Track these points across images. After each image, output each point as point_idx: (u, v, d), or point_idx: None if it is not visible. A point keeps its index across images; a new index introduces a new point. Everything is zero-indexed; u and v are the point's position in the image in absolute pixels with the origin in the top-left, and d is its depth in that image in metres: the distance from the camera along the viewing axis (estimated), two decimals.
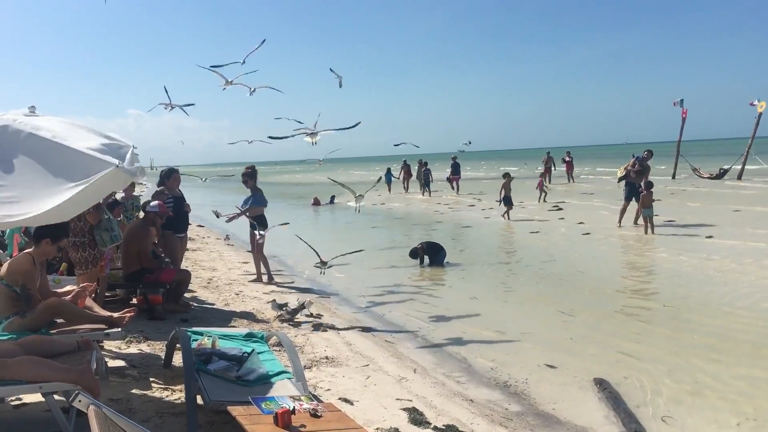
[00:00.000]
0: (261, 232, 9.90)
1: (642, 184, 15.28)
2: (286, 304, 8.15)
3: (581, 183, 34.23)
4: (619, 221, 15.91)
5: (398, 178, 35.02)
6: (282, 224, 10.39)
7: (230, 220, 10.84)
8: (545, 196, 23.82)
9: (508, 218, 18.44)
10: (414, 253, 12.07)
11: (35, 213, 3.26)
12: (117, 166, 3.63)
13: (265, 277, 10.46)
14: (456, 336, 7.36)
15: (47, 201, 3.39)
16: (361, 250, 10.20)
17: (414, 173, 33.94)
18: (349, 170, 76.70)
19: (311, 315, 7.98)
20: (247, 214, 10.22)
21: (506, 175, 19.49)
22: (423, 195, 30.56)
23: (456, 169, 31.31)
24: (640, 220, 15.22)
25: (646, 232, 14.48)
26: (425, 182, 31.16)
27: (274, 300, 8.43)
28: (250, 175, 10.36)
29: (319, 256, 8.95)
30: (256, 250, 10.42)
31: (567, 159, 34.32)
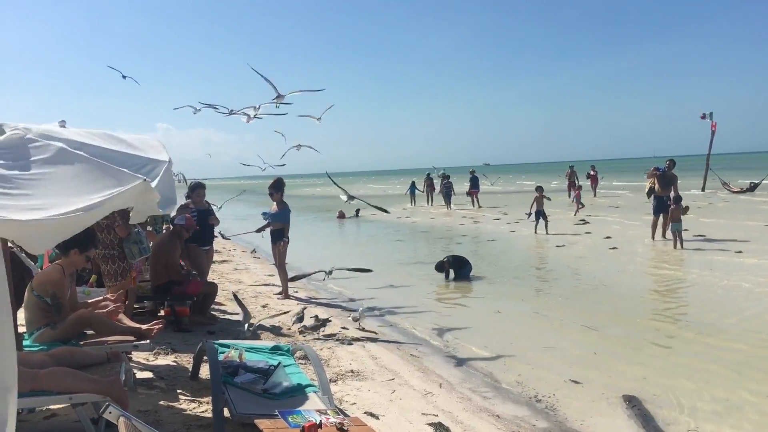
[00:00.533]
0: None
1: (671, 197, 15.09)
2: (301, 318, 8.19)
3: (606, 197, 33.94)
4: (652, 235, 15.70)
5: (422, 192, 35.33)
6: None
7: (260, 230, 11.05)
8: (581, 208, 23.37)
9: (546, 232, 18.21)
10: (440, 267, 12.01)
11: (55, 214, 3.30)
12: (145, 180, 3.68)
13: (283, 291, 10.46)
14: (482, 350, 7.31)
15: (69, 208, 3.44)
16: (369, 270, 10.29)
17: (437, 187, 33.97)
18: (368, 183, 76.87)
19: (331, 332, 7.99)
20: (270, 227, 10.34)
21: (538, 189, 19.22)
22: (448, 208, 30.66)
23: (474, 183, 31.67)
24: (669, 234, 15.02)
25: (675, 247, 14.27)
26: (446, 195, 31.39)
27: (297, 314, 8.42)
28: (276, 188, 10.36)
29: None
30: (278, 263, 10.46)
31: (592, 173, 34.04)
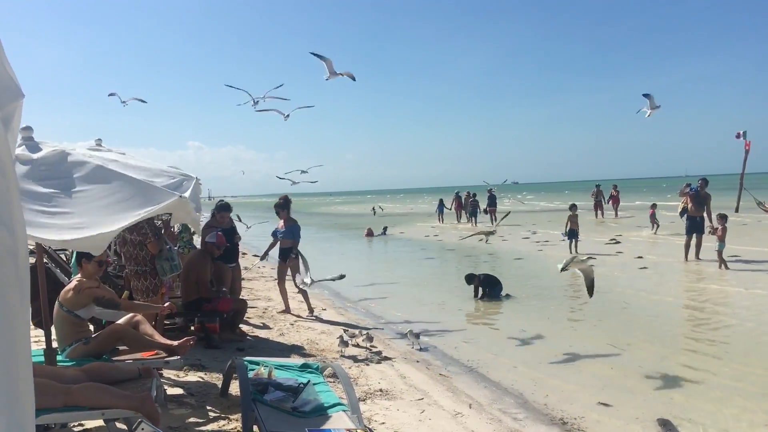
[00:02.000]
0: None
1: (715, 217, 14.78)
2: (348, 337, 8.10)
3: (635, 216, 33.54)
4: (685, 256, 15.44)
5: (450, 209, 35.96)
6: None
7: (261, 260, 11.28)
8: (657, 228, 22.93)
9: (576, 251, 18.01)
10: (470, 279, 11.92)
11: (95, 233, 3.35)
12: (180, 196, 3.73)
13: (293, 307, 10.45)
14: (511, 371, 7.23)
15: (109, 228, 3.49)
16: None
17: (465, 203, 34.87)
18: (394, 201, 76.90)
19: (368, 348, 7.94)
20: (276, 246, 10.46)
21: (572, 207, 19.02)
22: (472, 224, 31.38)
23: (492, 201, 32.38)
24: (702, 254, 14.75)
25: (720, 268, 13.95)
26: (472, 213, 32.43)
27: (341, 336, 8.26)
28: (282, 206, 10.37)
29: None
30: (283, 280, 10.46)
31: (614, 193, 33.60)
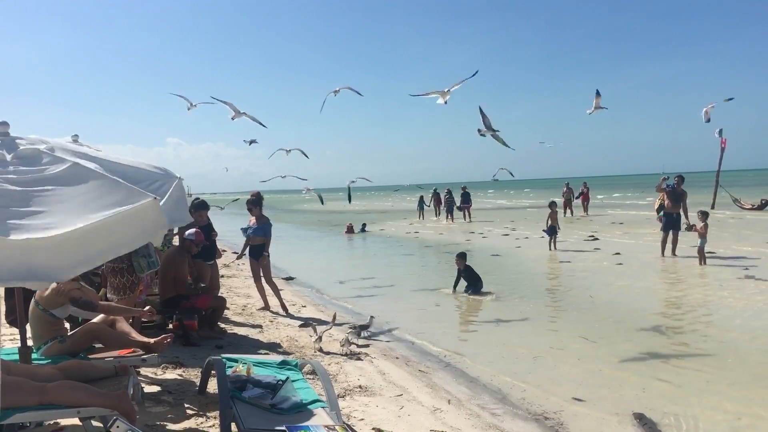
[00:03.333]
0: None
1: (696, 214, 14.95)
2: (314, 327, 8.15)
3: (612, 211, 33.92)
4: (662, 252, 15.62)
5: (429, 206, 37.09)
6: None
7: (238, 258, 11.26)
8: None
9: (555, 248, 18.18)
10: (462, 255, 12.10)
11: (63, 231, 3.29)
12: (155, 198, 3.68)
13: (272, 303, 10.42)
14: (490, 366, 7.27)
15: (78, 223, 3.43)
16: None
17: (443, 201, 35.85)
18: (375, 200, 76.94)
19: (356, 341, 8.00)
20: (247, 247, 10.45)
21: (552, 204, 19.21)
22: (447, 221, 33.12)
23: (466, 198, 33.39)
24: (678, 251, 14.93)
25: (700, 264, 14.16)
26: (448, 209, 34.01)
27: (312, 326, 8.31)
28: (254, 203, 10.31)
29: None
30: (258, 277, 10.39)
31: (584, 190, 33.76)
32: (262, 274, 10.35)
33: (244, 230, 10.40)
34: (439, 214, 36.20)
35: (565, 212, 31.45)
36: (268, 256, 10.22)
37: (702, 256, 14.24)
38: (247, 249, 10.60)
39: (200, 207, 9.12)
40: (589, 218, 30.69)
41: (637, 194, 48.89)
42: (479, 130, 11.68)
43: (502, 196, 54.61)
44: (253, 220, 10.31)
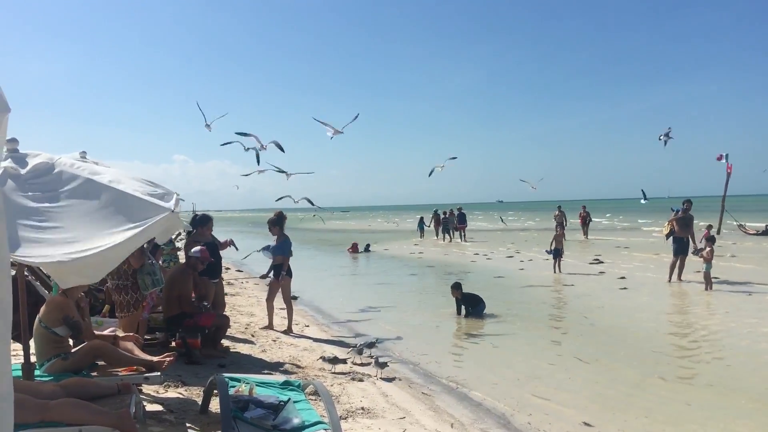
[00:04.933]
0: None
1: (702, 238, 14.95)
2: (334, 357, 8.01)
3: (612, 237, 33.81)
4: (669, 277, 15.54)
5: (429, 227, 38.12)
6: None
7: (265, 276, 11.22)
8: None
9: (560, 270, 18.13)
10: (457, 286, 12.06)
11: (91, 252, 3.32)
12: (172, 211, 3.71)
13: (276, 323, 10.36)
14: (493, 390, 7.22)
15: (103, 241, 3.47)
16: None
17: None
18: (376, 218, 76.95)
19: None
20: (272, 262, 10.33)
21: (558, 227, 19.45)
22: (444, 240, 34.47)
23: (462, 219, 34.85)
24: (684, 275, 14.86)
25: (706, 289, 14.09)
26: (444, 229, 35.46)
27: (323, 356, 8.17)
28: (275, 222, 10.30)
29: None
30: (283, 297, 10.37)
31: (582, 214, 33.46)
32: (280, 293, 10.35)
33: (266, 249, 10.37)
34: (438, 234, 36.83)
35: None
36: (286, 275, 10.22)
37: (708, 281, 14.16)
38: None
39: (203, 222, 9.09)
40: (590, 242, 30.47)
41: (642, 220, 48.68)
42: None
43: (491, 219, 54.81)
44: (275, 239, 10.33)
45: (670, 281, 15.42)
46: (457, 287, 12.05)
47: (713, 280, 14.44)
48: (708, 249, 14.35)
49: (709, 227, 21.86)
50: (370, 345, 8.53)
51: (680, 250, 15.45)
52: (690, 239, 15.53)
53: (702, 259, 14.44)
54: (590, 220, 34.22)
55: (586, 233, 33.04)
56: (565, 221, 32.06)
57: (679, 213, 15.62)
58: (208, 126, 14.63)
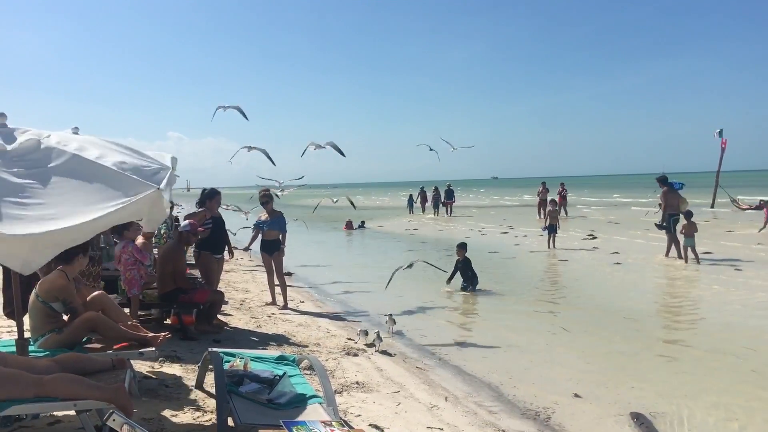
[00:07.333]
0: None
1: (682, 215, 15.02)
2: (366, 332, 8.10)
3: (610, 212, 33.88)
4: (667, 252, 15.53)
5: (416, 203, 39.33)
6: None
7: (246, 249, 11.57)
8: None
9: (554, 246, 18.20)
10: (463, 245, 12.35)
11: (69, 225, 3.30)
12: (158, 188, 3.68)
13: (279, 299, 10.39)
14: (487, 364, 7.27)
15: (84, 217, 3.44)
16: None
17: (429, 198, 38.15)
18: (375, 195, 76.91)
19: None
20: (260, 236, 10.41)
21: (552, 203, 19.72)
22: (436, 215, 35.37)
23: (450, 195, 36.23)
24: (673, 252, 14.96)
25: (686, 261, 14.25)
26: (435, 204, 36.59)
27: (361, 330, 8.21)
28: (269, 197, 10.38)
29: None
30: (271, 271, 10.38)
31: (561, 191, 32.99)
32: (268, 268, 10.37)
33: (259, 224, 10.37)
34: (425, 210, 38.11)
35: (539, 213, 29.83)
36: (283, 250, 10.27)
37: (687, 255, 14.41)
38: (256, 243, 10.63)
39: (213, 195, 9.03)
40: (576, 219, 30.24)
41: (633, 195, 48.78)
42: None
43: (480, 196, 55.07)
44: (264, 214, 10.32)
45: (668, 257, 15.36)
46: (462, 246, 12.27)
47: (703, 254, 14.55)
48: (686, 223, 14.58)
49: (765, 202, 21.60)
50: (393, 321, 8.69)
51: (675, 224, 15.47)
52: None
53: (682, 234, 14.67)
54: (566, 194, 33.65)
55: (566, 211, 32.49)
56: (564, 199, 31.64)
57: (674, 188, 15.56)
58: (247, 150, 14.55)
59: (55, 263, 5.19)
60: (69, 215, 3.42)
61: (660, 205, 15.87)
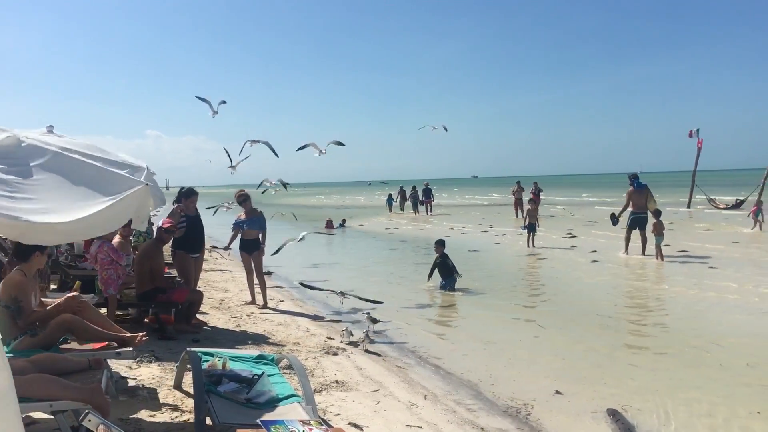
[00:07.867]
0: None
1: (650, 212, 15.27)
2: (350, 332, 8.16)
3: (586, 211, 34.16)
4: (643, 250, 15.59)
5: (396, 202, 40.25)
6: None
7: (226, 248, 11.65)
8: (760, 225, 20.84)
9: (533, 245, 18.31)
10: (441, 242, 12.42)
11: (67, 220, 3.29)
12: (147, 184, 3.67)
13: (259, 299, 10.33)
14: (466, 362, 7.31)
15: (78, 213, 3.43)
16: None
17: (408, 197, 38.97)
18: (346, 195, 76.89)
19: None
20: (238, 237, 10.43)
21: (531, 202, 19.95)
22: (415, 214, 36.00)
23: (428, 194, 37.23)
24: (648, 249, 15.15)
25: (657, 258, 14.55)
26: (414, 203, 37.31)
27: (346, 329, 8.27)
28: (246, 197, 10.34)
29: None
30: (250, 271, 10.33)
31: (534, 190, 33.04)
32: (247, 267, 10.33)
33: (238, 224, 10.31)
34: (404, 208, 38.94)
35: (516, 213, 30.19)
36: (262, 250, 10.24)
37: (660, 253, 14.68)
38: (236, 242, 10.58)
39: (190, 194, 8.97)
40: (557, 217, 30.33)
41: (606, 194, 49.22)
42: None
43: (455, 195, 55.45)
44: (242, 214, 10.28)
45: (644, 255, 15.47)
46: (440, 243, 12.36)
47: (679, 253, 14.78)
48: (656, 221, 14.89)
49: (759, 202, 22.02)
50: (373, 321, 8.67)
51: (636, 222, 15.72)
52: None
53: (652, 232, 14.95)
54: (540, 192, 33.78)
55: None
56: (537, 197, 31.67)
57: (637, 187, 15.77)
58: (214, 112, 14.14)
59: (12, 264, 5.09)
60: (61, 210, 3.40)
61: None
